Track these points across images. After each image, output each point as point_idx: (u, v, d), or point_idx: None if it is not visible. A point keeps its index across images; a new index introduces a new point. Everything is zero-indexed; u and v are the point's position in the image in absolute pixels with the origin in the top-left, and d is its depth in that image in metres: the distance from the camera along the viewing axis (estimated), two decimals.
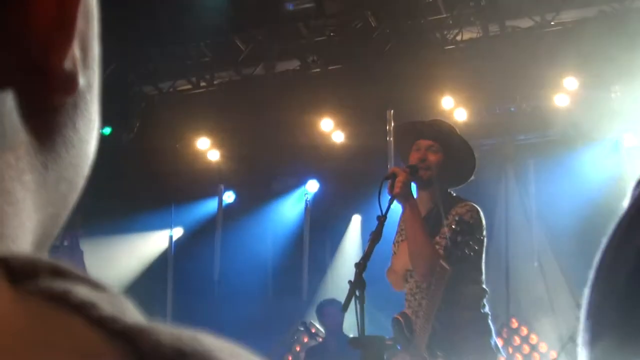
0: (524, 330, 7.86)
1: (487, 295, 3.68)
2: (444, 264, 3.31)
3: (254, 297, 8.72)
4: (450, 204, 3.63)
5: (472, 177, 3.80)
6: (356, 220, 9.10)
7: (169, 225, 9.08)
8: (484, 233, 3.56)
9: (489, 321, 3.64)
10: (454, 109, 7.66)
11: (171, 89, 8.46)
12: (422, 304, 3.53)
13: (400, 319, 3.61)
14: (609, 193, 7.25)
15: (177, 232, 9.28)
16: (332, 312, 7.04)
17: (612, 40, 6.93)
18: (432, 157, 3.63)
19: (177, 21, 7.41)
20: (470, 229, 3.44)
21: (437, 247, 3.54)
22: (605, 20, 7.06)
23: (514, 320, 7.93)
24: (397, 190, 3.44)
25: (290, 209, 9.12)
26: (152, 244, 9.20)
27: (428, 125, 3.76)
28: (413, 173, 3.58)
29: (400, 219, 3.77)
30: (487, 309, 3.65)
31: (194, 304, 8.40)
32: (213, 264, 8.65)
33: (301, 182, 8.81)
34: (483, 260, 3.66)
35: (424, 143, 3.65)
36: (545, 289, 7.94)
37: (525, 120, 7.77)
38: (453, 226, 3.45)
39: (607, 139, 7.70)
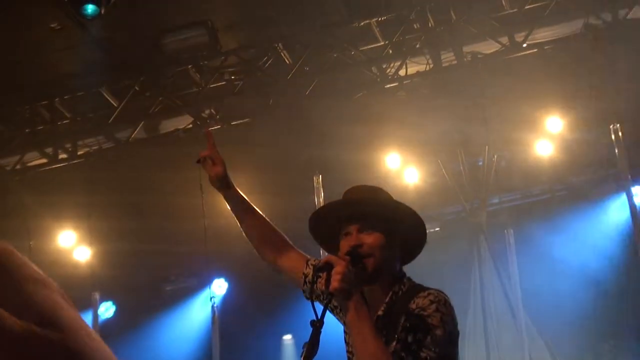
0: None
1: None
2: None
3: None
4: (408, 295, 3.20)
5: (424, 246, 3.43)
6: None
7: None
8: (453, 329, 3.06)
9: None
10: (402, 168, 7.10)
11: (18, 166, 7.77)
12: None
13: None
14: (619, 267, 6.70)
15: None
16: None
17: (605, 60, 6.33)
18: (369, 239, 3.22)
19: (15, 69, 6.74)
20: (423, 323, 3.02)
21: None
22: (594, 35, 6.43)
23: None
24: (335, 284, 3.00)
25: (191, 319, 8.33)
26: None
27: (347, 204, 3.34)
28: (355, 261, 3.13)
29: (345, 325, 3.38)
30: None
31: None
32: None
33: (204, 282, 7.95)
34: None
35: (352, 227, 3.26)
36: None
37: (499, 177, 7.15)
38: (401, 321, 3.09)
39: (609, 195, 6.95)
